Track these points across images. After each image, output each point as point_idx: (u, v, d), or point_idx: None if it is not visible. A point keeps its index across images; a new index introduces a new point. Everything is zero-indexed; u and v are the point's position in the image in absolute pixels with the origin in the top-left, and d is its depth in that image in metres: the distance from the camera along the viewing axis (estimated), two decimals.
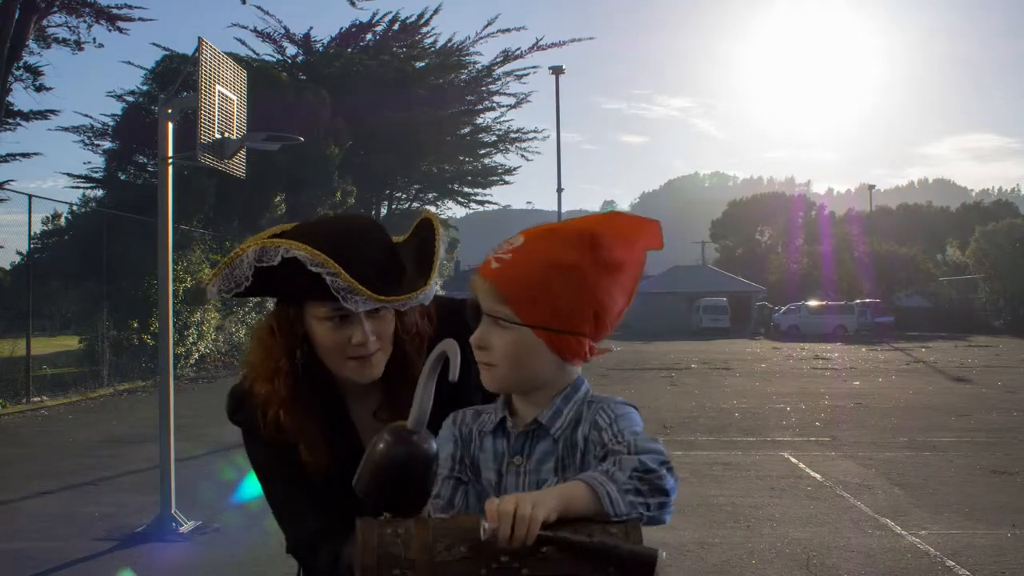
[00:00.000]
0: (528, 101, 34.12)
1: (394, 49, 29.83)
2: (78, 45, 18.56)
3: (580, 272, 1.16)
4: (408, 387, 1.18)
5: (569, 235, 1.19)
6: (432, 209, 39.11)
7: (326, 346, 1.40)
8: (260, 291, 1.39)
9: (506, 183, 38.49)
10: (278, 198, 21.87)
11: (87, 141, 23.94)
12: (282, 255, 1.32)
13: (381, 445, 1.07)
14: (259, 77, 19.30)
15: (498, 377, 1.20)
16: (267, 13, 34.50)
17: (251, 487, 6.30)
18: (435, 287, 1.42)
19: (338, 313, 1.36)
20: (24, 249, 15.99)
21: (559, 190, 21.56)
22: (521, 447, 1.21)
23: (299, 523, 1.44)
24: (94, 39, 20.75)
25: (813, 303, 37.88)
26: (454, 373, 1.07)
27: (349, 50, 28.98)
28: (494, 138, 35.80)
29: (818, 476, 7.00)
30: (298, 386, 1.41)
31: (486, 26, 31.02)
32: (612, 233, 1.19)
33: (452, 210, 39.74)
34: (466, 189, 38.15)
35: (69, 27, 18.14)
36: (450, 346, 1.08)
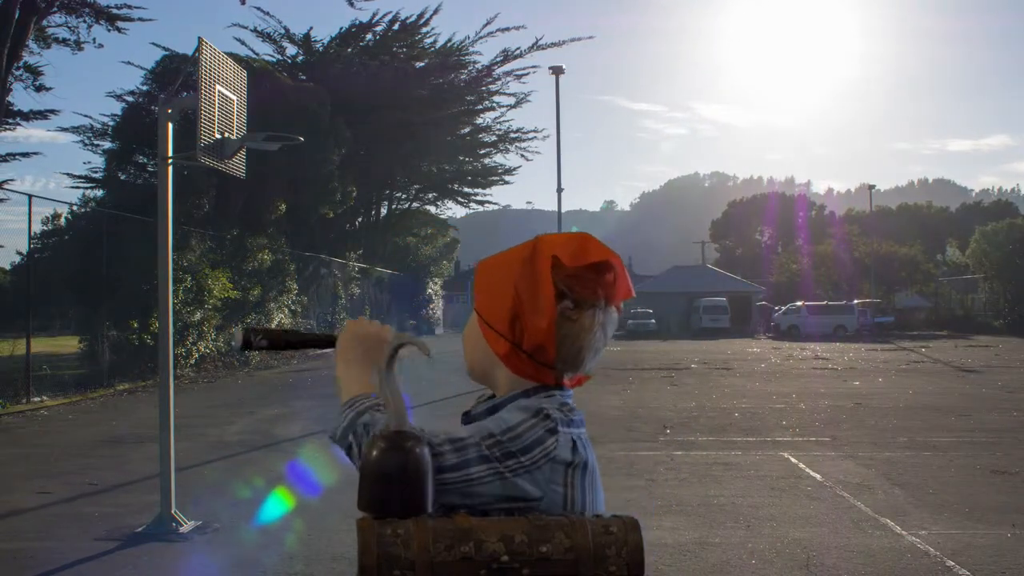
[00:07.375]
0: (528, 101, 34.18)
1: (394, 49, 29.84)
2: (78, 45, 18.61)
3: (510, 268, 1.18)
4: None
5: (531, 240, 1.22)
6: (432, 209, 39.21)
7: None
8: None
9: (506, 183, 38.58)
10: (278, 198, 21.88)
11: (87, 141, 24.00)
12: None
13: (375, 453, 1.03)
14: (259, 77, 19.31)
15: (465, 357, 1.27)
16: (267, 13, 34.62)
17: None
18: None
19: None
20: (24, 249, 15.98)
21: (559, 190, 21.50)
22: None
23: None
24: (94, 39, 20.83)
25: (812, 303, 37.89)
26: (425, 350, 1.10)
27: (349, 50, 28.99)
28: (494, 138, 35.83)
29: (818, 476, 7.00)
30: None
31: (485, 25, 31.20)
32: (560, 245, 1.17)
33: (452, 210, 39.79)
34: (466, 189, 38.17)
35: (69, 27, 18.20)
36: (402, 336, 1.11)
